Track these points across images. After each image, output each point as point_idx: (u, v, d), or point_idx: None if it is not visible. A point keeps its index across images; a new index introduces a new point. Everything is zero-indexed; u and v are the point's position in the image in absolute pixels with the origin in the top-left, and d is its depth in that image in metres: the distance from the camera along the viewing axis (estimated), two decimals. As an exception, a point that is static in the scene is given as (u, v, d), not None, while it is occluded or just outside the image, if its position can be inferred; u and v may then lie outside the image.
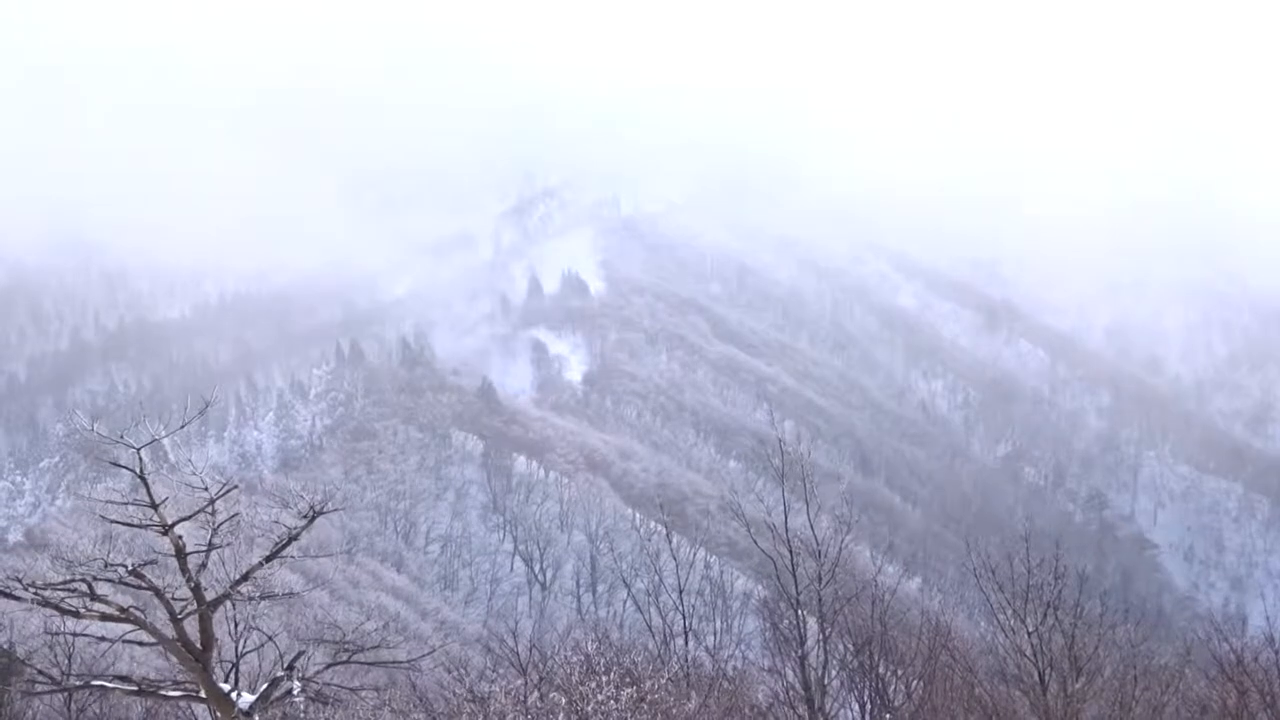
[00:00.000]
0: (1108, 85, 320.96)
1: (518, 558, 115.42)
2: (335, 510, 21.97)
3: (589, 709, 21.15)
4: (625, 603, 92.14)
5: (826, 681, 25.19)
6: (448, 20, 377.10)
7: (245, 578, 19.57)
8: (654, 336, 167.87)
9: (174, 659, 20.05)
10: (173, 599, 18.97)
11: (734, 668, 28.97)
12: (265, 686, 19.68)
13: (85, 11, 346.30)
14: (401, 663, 24.34)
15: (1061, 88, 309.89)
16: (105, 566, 18.64)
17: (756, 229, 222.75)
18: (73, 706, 28.62)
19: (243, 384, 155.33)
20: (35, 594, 18.41)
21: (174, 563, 19.08)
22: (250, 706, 19.03)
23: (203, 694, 19.31)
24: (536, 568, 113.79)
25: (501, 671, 26.23)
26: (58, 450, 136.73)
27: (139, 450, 18.95)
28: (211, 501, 19.23)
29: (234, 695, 19.20)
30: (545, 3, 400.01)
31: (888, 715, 25.19)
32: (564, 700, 21.53)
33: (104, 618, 18.79)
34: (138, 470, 18.78)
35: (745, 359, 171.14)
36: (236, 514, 20.02)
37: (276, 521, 20.41)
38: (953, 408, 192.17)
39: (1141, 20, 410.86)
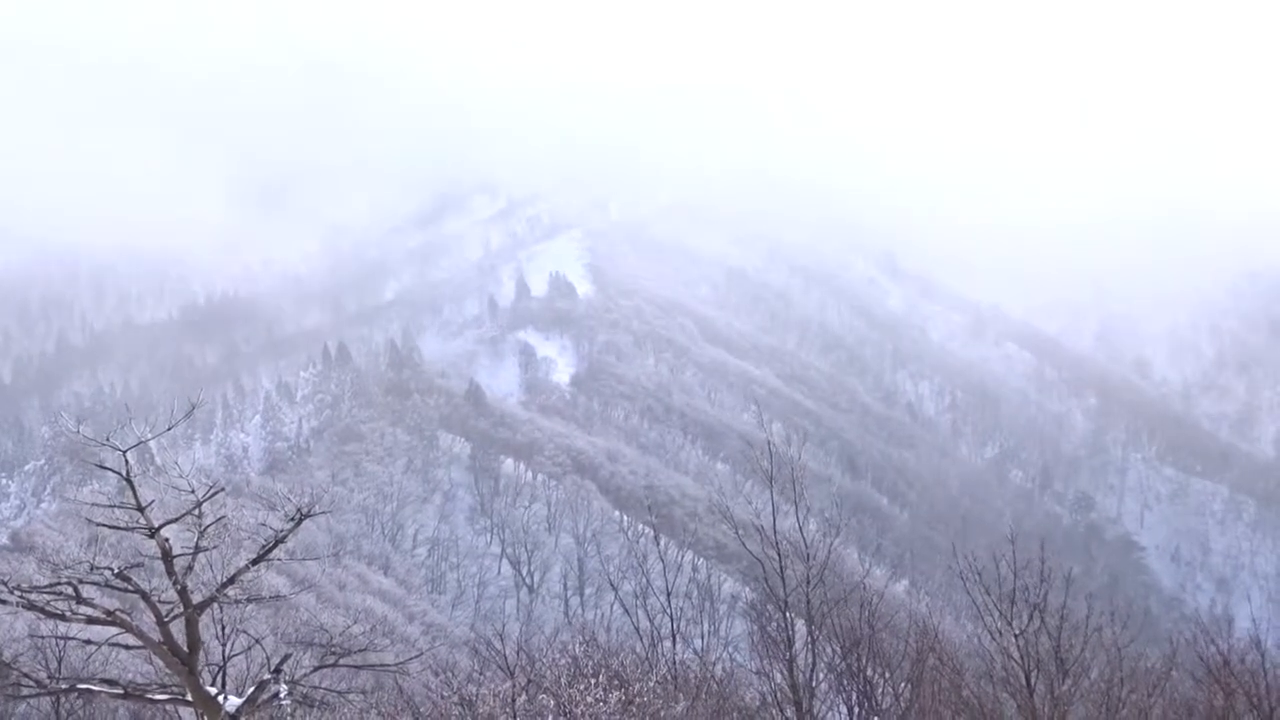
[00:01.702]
0: (1096, 90, 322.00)
1: (505, 560, 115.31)
2: (322, 513, 21.92)
3: (578, 711, 21.15)
4: (613, 605, 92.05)
5: (814, 684, 25.19)
6: (443, 21, 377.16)
7: (232, 580, 19.52)
8: (642, 339, 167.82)
9: (160, 662, 19.98)
10: (159, 602, 18.91)
11: (722, 670, 28.95)
12: (252, 689, 19.63)
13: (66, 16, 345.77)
14: (389, 666, 24.30)
15: (1049, 93, 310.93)
16: (91, 569, 18.57)
17: (744, 232, 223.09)
18: (59, 710, 28.53)
19: (229, 386, 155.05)
20: (21, 597, 18.34)
21: (160, 566, 19.02)
22: (237, 710, 18.98)
23: (189, 697, 19.25)
24: (524, 570, 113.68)
25: (489, 674, 26.19)
26: (44, 453, 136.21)
27: (125, 453, 18.89)
28: (198, 504, 19.18)
29: (221, 698, 19.14)
30: (540, 6, 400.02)
31: (875, 718, 25.21)
32: (552, 703, 21.52)
33: (90, 621, 18.72)
34: (124, 473, 18.72)
35: (733, 361, 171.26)
36: (223, 517, 19.96)
37: (263, 524, 20.36)
38: (940, 410, 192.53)
39: (1131, 27, 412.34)
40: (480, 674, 26.03)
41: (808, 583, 25.27)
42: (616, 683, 22.93)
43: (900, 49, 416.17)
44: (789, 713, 24.94)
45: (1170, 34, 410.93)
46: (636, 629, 29.44)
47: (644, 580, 30.83)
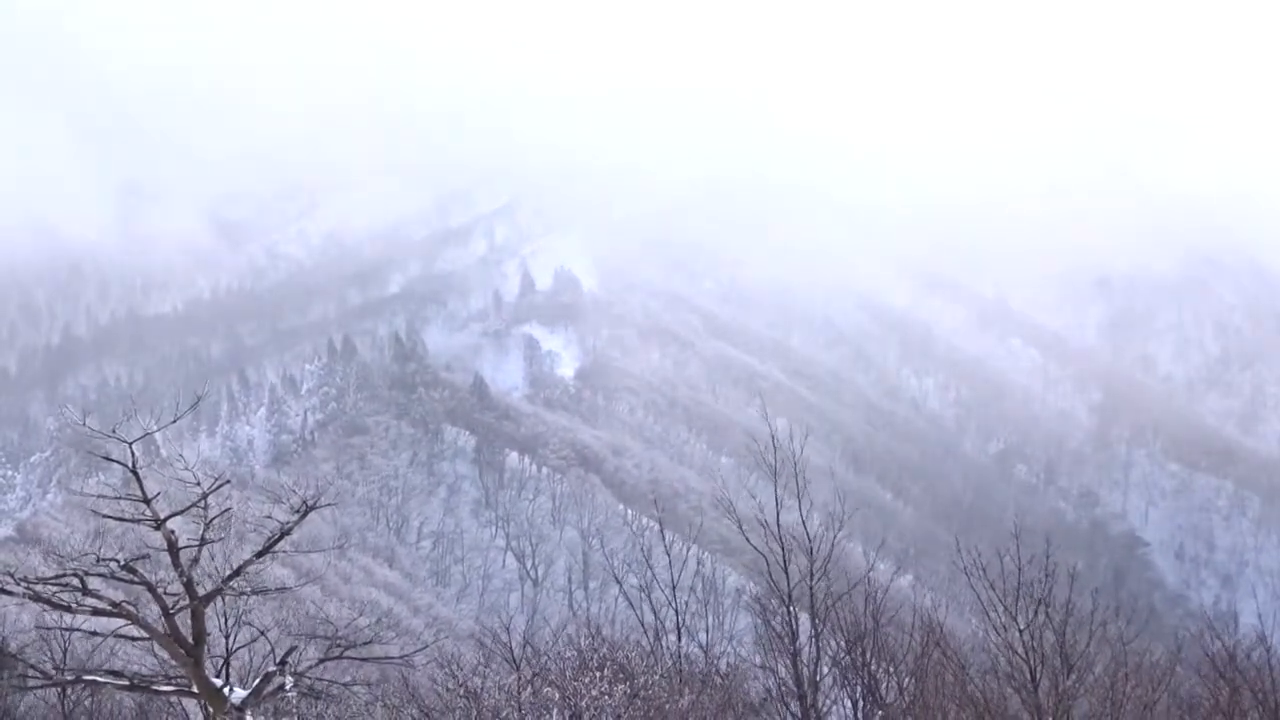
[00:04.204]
0: (1103, 86, 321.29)
1: (510, 554, 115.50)
2: (327, 505, 21.94)
3: (583, 704, 21.19)
4: (617, 599, 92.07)
5: (819, 678, 25.22)
6: (448, 17, 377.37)
7: (237, 573, 19.51)
8: (647, 333, 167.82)
9: (165, 654, 19.97)
10: (165, 594, 18.91)
11: (726, 664, 28.99)
12: (258, 681, 19.63)
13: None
14: (394, 658, 24.28)
15: (1054, 89, 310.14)
16: (97, 561, 18.57)
17: (749, 227, 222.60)
18: (65, 701, 28.60)
19: (235, 379, 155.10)
20: (27, 589, 18.34)
21: (166, 558, 19.00)
22: (242, 701, 18.98)
23: (195, 689, 19.26)
24: (528, 564, 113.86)
25: (494, 667, 26.26)
26: (49, 444, 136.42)
27: (131, 445, 18.87)
28: (204, 496, 19.17)
29: (226, 690, 19.15)
30: (543, 2, 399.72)
31: (880, 712, 25.23)
32: (558, 695, 21.58)
33: (96, 612, 18.73)
34: (130, 465, 18.71)
35: (737, 355, 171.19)
36: (229, 509, 19.95)
37: (268, 516, 20.33)
38: (944, 405, 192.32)
39: (1136, 20, 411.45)
40: (485, 667, 26.10)
41: (811, 577, 25.29)
42: (621, 676, 22.99)
43: (901, 44, 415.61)
44: (793, 707, 24.98)
45: (1190, 24, 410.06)
46: (641, 623, 29.48)
47: (648, 574, 30.81)
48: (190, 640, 19.03)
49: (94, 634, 21.12)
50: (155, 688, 20.28)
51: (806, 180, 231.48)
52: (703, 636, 30.82)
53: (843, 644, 25.67)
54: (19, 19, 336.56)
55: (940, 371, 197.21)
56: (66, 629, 22.60)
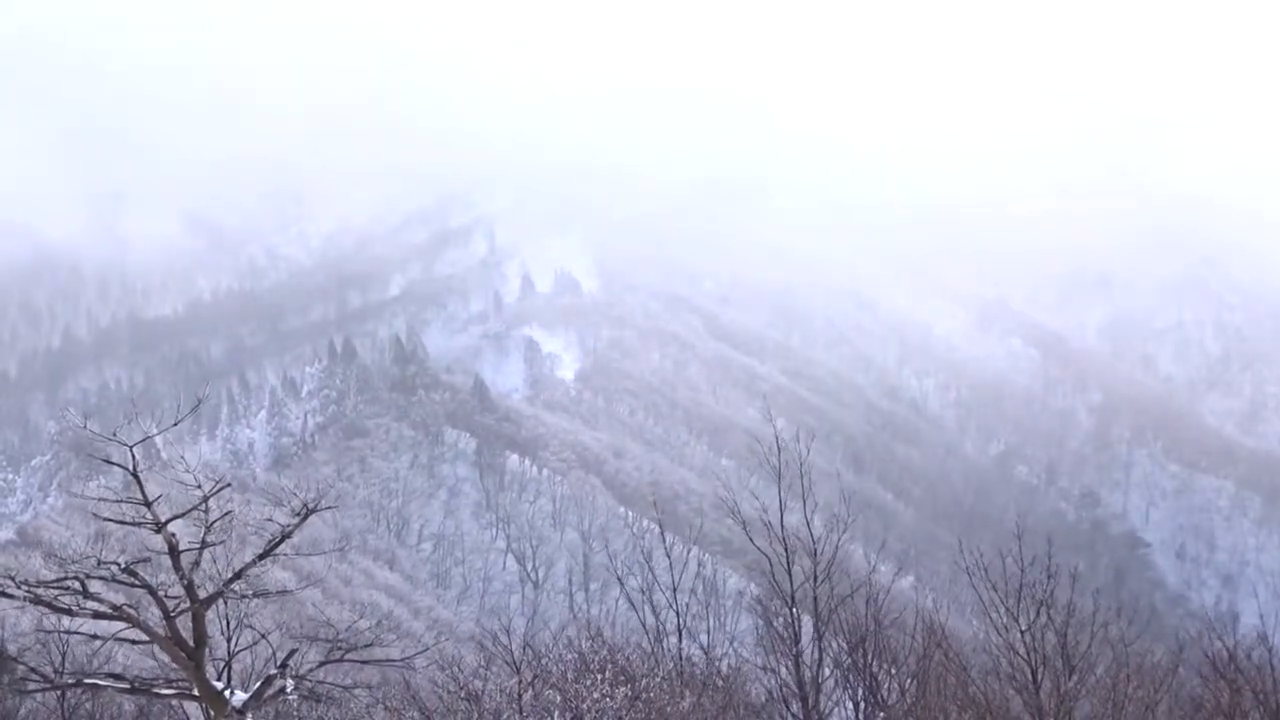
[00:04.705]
0: (1101, 82, 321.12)
1: (510, 556, 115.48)
2: (328, 508, 21.88)
3: (584, 707, 21.17)
4: (618, 601, 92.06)
5: (820, 680, 25.20)
6: (448, 18, 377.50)
7: (238, 575, 19.50)
8: (647, 334, 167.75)
9: (166, 657, 19.96)
10: (166, 597, 18.90)
11: (728, 666, 28.94)
12: (259, 684, 19.62)
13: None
14: (395, 661, 24.24)
15: (1056, 89, 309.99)
16: (98, 564, 18.55)
17: (749, 227, 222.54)
18: (65, 705, 28.56)
19: (235, 381, 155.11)
20: (28, 592, 18.32)
21: (167, 561, 18.99)
22: (244, 704, 18.97)
23: (196, 692, 19.25)
24: (529, 566, 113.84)
25: (495, 669, 26.20)
26: (50, 447, 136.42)
27: (132, 448, 18.84)
28: (205, 499, 19.16)
29: (227, 693, 19.14)
30: (542, 2, 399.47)
31: (881, 714, 25.21)
32: (559, 698, 21.55)
33: (97, 616, 18.71)
34: (130, 468, 18.69)
35: (738, 357, 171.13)
36: (229, 512, 19.93)
37: (269, 519, 20.31)
38: (945, 406, 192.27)
39: (1139, 20, 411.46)
40: (486, 669, 26.04)
41: (814, 578, 25.27)
42: (623, 678, 22.95)
43: (901, 44, 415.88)
44: (795, 708, 24.96)
45: (1193, 24, 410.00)
46: (642, 624, 29.43)
47: (649, 576, 30.75)
48: (191, 643, 19.02)
49: (95, 637, 21.09)
50: (156, 691, 20.27)
51: (806, 180, 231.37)
52: (704, 638, 30.78)
53: (844, 645, 25.64)
54: (18, 20, 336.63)
55: (940, 372, 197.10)
56: (67, 632, 22.57)
